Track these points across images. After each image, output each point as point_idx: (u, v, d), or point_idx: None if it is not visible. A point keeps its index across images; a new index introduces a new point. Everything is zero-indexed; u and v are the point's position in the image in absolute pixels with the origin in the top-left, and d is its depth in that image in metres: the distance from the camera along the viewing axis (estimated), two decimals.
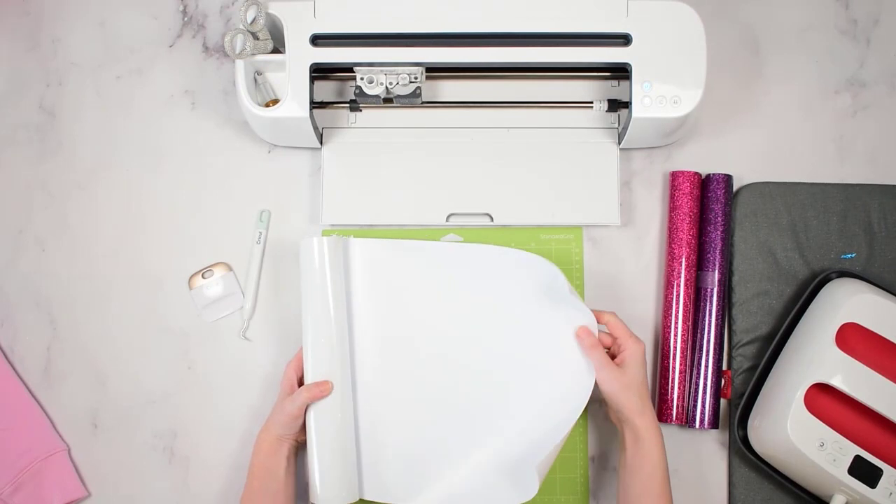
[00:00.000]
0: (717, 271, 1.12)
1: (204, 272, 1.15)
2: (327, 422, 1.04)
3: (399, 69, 1.08)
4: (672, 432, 1.12)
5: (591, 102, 1.14)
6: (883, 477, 0.99)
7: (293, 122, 1.10)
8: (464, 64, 1.10)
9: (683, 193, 1.13)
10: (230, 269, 1.15)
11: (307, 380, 1.05)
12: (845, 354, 1.02)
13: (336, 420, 1.04)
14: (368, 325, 1.10)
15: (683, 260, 1.12)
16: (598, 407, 1.12)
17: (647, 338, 1.14)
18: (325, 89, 1.17)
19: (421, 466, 1.07)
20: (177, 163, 1.18)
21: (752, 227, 1.14)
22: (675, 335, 1.11)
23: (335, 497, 1.03)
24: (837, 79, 1.18)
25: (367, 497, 1.07)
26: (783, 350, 1.08)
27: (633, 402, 1.01)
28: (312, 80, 1.09)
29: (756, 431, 1.06)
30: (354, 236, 1.11)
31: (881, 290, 1.06)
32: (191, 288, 1.15)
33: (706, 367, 1.10)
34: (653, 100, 1.07)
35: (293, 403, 1.03)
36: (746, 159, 1.16)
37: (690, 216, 1.12)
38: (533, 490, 1.01)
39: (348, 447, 1.05)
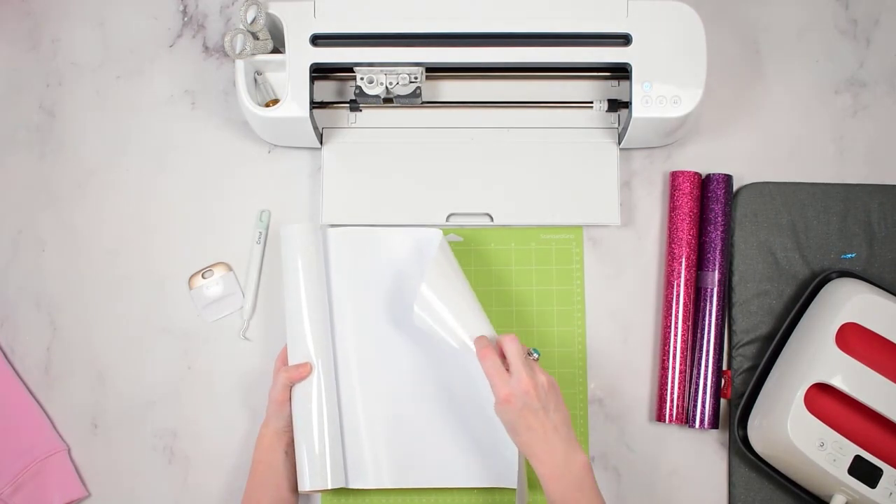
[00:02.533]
0: (717, 271, 1.12)
1: (204, 272, 1.15)
2: (309, 404, 1.05)
3: (399, 69, 1.08)
4: (672, 432, 1.12)
5: (591, 102, 1.14)
6: (883, 477, 0.99)
7: (293, 122, 1.10)
8: (464, 64, 1.10)
9: (683, 193, 1.13)
10: (230, 269, 1.15)
11: (289, 364, 1.06)
12: (845, 354, 1.02)
13: (317, 403, 1.05)
14: (347, 313, 1.10)
15: (683, 260, 1.12)
16: (598, 407, 1.12)
17: (648, 338, 1.14)
18: (325, 89, 1.17)
19: (403, 451, 1.08)
20: (177, 163, 1.18)
21: (752, 227, 1.14)
22: (675, 335, 1.11)
23: (319, 479, 1.04)
24: (837, 79, 1.18)
25: (352, 485, 1.07)
26: (783, 350, 1.08)
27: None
28: (312, 80, 1.09)
29: (756, 431, 1.06)
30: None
31: (881, 290, 1.06)
32: (191, 288, 1.15)
33: (706, 367, 1.10)
34: (653, 100, 1.07)
35: (275, 388, 1.05)
36: (746, 159, 1.16)
37: (690, 216, 1.12)
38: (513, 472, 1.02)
39: (332, 431, 1.06)
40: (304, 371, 1.05)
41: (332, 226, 1.13)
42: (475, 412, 1.08)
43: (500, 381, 0.96)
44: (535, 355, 1.00)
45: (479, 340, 1.00)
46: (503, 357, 0.99)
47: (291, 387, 1.05)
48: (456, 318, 1.03)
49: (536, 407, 0.95)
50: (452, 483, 1.08)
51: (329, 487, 1.04)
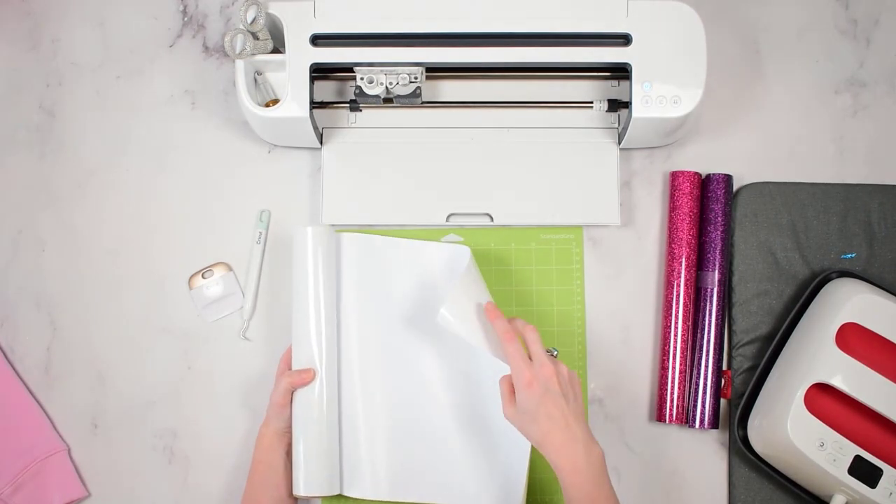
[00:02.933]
0: (717, 271, 1.12)
1: (204, 272, 1.15)
2: (310, 410, 1.04)
3: (399, 69, 1.08)
4: (672, 432, 1.12)
5: (591, 102, 1.14)
6: (883, 477, 0.99)
7: (293, 122, 1.10)
8: (464, 64, 1.10)
9: (683, 193, 1.13)
10: (230, 269, 1.15)
11: (293, 368, 1.06)
12: (845, 354, 1.02)
13: (319, 409, 1.05)
14: (353, 320, 1.10)
15: (683, 260, 1.12)
16: (598, 407, 1.12)
17: (648, 338, 1.14)
18: (325, 89, 1.17)
19: (402, 463, 1.08)
20: (177, 163, 1.18)
21: (752, 227, 1.14)
22: (675, 335, 1.11)
23: (315, 486, 1.04)
24: (837, 79, 1.18)
25: (347, 493, 1.07)
26: (783, 350, 1.08)
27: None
28: (312, 80, 1.09)
29: (756, 431, 1.06)
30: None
31: (881, 290, 1.06)
32: (191, 288, 1.15)
33: (706, 367, 1.10)
34: (653, 100, 1.07)
35: (276, 391, 1.05)
36: (746, 159, 1.16)
37: (690, 216, 1.12)
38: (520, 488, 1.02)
39: (331, 438, 1.05)
40: (306, 377, 1.04)
41: (339, 228, 1.13)
42: (480, 430, 1.08)
43: (523, 364, 0.96)
44: (554, 352, 1.01)
45: (502, 326, 0.99)
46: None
47: (293, 391, 1.05)
48: (480, 326, 1.02)
49: (558, 393, 0.95)
50: (450, 500, 1.08)
51: (324, 494, 1.04)
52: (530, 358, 0.98)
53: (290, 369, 1.07)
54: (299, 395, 1.05)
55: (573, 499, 0.94)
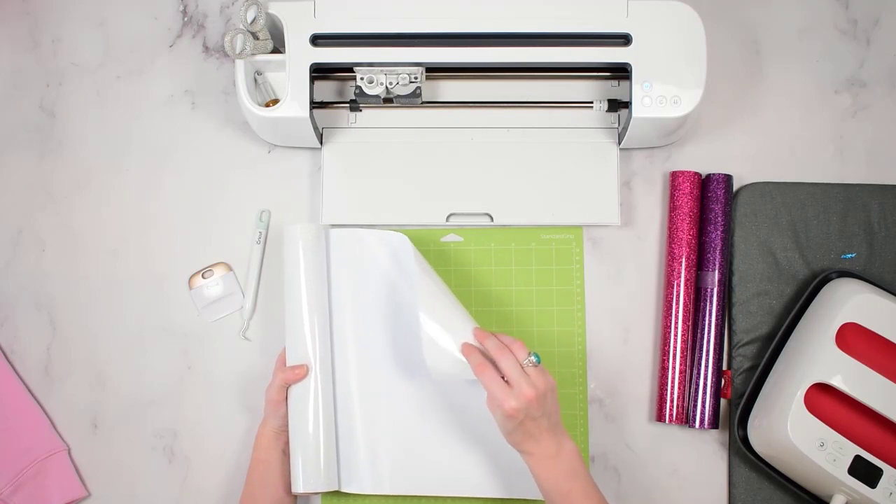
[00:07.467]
0: (717, 271, 1.12)
1: (204, 272, 1.15)
2: (305, 406, 1.04)
3: (399, 69, 1.08)
4: (672, 432, 1.12)
5: (591, 102, 1.15)
6: (883, 477, 1.00)
7: (293, 122, 1.10)
8: (464, 64, 1.10)
9: (683, 193, 1.13)
10: (230, 269, 1.15)
11: (287, 365, 1.06)
12: (845, 354, 1.02)
13: (313, 405, 1.05)
14: (346, 314, 1.10)
15: (683, 260, 1.12)
16: (598, 407, 1.12)
17: (648, 338, 1.14)
18: (325, 89, 1.17)
19: (403, 457, 1.08)
20: (177, 163, 1.18)
21: (752, 227, 1.14)
22: (675, 335, 1.11)
23: (313, 482, 1.04)
24: (837, 79, 1.18)
25: (345, 489, 1.07)
26: (783, 350, 1.08)
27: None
28: (312, 80, 1.09)
29: (756, 431, 1.06)
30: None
31: (881, 290, 1.06)
32: (191, 288, 1.15)
33: (706, 367, 1.10)
34: (653, 100, 1.07)
35: (271, 388, 1.05)
36: (746, 159, 1.16)
37: (690, 216, 1.12)
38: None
39: (328, 434, 1.05)
40: (300, 373, 1.05)
41: (334, 226, 1.13)
42: (478, 419, 1.07)
43: (502, 394, 0.95)
44: (535, 360, 0.97)
45: (473, 355, 0.99)
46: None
47: (288, 388, 1.05)
48: (451, 337, 1.02)
49: (538, 416, 0.96)
50: (454, 492, 1.08)
51: (322, 490, 1.04)
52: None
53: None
54: (294, 392, 1.05)
55: (547, 492, 0.96)
